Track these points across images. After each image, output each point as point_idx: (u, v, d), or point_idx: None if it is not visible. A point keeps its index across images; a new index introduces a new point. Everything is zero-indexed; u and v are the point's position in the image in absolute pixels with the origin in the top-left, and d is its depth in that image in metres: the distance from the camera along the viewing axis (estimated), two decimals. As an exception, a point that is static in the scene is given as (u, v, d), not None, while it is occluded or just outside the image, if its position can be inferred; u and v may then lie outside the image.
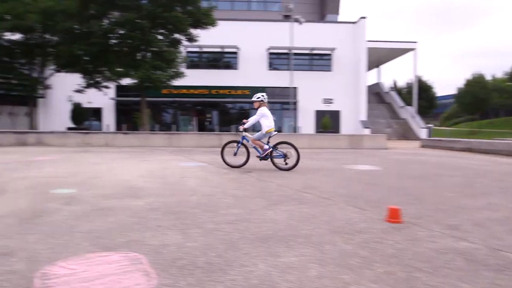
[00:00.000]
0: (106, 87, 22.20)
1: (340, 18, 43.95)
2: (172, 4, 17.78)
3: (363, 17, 31.81)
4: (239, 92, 32.85)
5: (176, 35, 20.00)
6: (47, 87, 22.43)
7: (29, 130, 15.87)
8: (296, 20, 25.58)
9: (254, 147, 8.12)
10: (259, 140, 7.99)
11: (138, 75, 17.46)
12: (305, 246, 3.01)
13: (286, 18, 34.65)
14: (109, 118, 32.30)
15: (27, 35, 20.23)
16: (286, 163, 7.84)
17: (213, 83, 32.09)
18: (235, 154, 8.24)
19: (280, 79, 32.18)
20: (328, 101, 33.15)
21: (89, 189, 5.37)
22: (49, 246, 2.90)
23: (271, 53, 33.29)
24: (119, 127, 31.53)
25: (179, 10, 18.50)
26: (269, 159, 8.00)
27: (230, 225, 3.62)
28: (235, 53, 33.06)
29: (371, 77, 46.16)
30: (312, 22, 32.18)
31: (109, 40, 18.75)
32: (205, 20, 19.10)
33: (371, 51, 32.85)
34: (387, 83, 44.91)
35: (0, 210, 4.07)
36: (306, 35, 30.90)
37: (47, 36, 20.24)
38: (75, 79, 22.71)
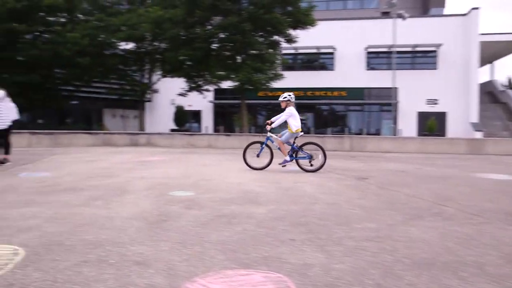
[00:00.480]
0: (207, 90, 23.04)
1: (446, 11, 40.45)
2: (273, 5, 17.74)
3: (475, 8, 28.68)
4: (335, 93, 31.90)
5: (275, 37, 19.96)
6: (154, 91, 24.00)
7: (141, 132, 17.04)
8: (399, 16, 23.94)
9: (278, 148, 7.86)
10: (286, 143, 7.78)
11: (239, 78, 17.72)
12: (482, 280, 2.38)
13: (385, 15, 32.82)
14: (207, 120, 33.65)
15: (138, 44, 21.85)
16: (312, 165, 7.63)
17: (309, 85, 31.58)
18: (258, 155, 7.96)
19: (378, 79, 30.54)
20: (432, 101, 30.52)
21: (205, 192, 5.25)
22: (184, 258, 2.68)
23: (369, 52, 31.74)
24: (216, 129, 32.70)
25: (278, 11, 18.41)
26: (294, 160, 7.83)
27: (373, 243, 3.10)
28: (331, 53, 32.18)
29: (483, 74, 41.64)
30: (414, 17, 29.94)
31: (211, 45, 19.37)
32: (304, 20, 18.75)
33: (484, 46, 29.47)
34: (501, 81, 40.09)
35: (128, 211, 4.06)
36: (408, 32, 28.77)
37: (156, 43, 21.64)
38: (177, 84, 23.98)
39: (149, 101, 28.97)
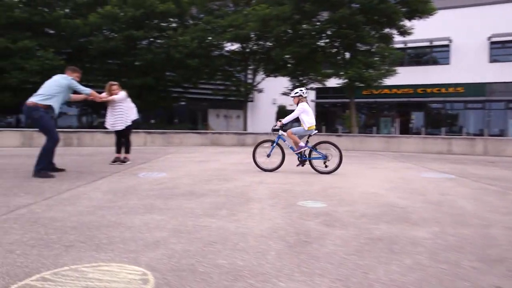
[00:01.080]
0: (311, 89, 22.26)
1: None
2: (388, -7, 16.28)
3: None
4: (450, 90, 28.78)
5: (386, 30, 18.37)
6: (259, 91, 23.97)
7: (248, 132, 16.94)
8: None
9: (291, 148, 7.34)
10: (296, 135, 7.20)
11: (349, 75, 16.59)
12: None
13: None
14: (308, 120, 32.82)
15: (243, 44, 21.97)
16: (326, 166, 7.05)
17: (419, 81, 28.96)
18: (268, 155, 7.37)
19: (505, 73, 26.74)
20: None
21: (338, 204, 4.45)
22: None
23: (493, 42, 27.96)
24: (318, 129, 31.72)
25: (392, 0, 16.83)
26: (307, 161, 7.27)
27: None
28: (446, 46, 29.10)
29: None
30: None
31: (318, 41, 18.54)
32: (422, 8, 16.86)
33: None
34: None
35: (259, 226, 3.44)
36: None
37: (261, 42, 21.52)
38: (279, 83, 23.61)
39: (251, 101, 29.16)
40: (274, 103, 29.31)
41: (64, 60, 19.34)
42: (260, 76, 23.66)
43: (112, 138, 9.35)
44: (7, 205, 4.06)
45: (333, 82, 22.07)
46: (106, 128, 8.36)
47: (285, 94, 22.73)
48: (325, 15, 17.92)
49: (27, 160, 8.24)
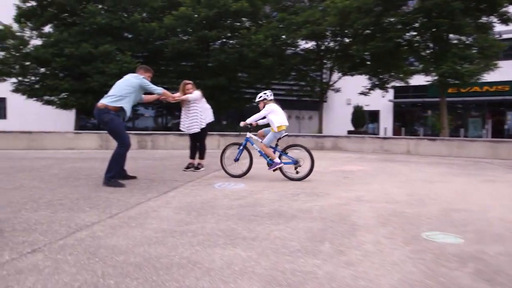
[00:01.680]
0: (393, 87, 20.47)
1: None
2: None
3: None
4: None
5: (484, 18, 16.10)
6: (337, 90, 22.59)
7: (327, 134, 15.77)
8: None
9: (260, 152, 6.70)
10: (269, 146, 6.52)
11: (442, 70, 14.69)
12: None
13: None
14: (386, 121, 30.74)
15: (319, 41, 20.81)
16: (297, 172, 6.35)
17: (517, 78, 25.56)
18: (236, 159, 6.85)
19: None
20: None
21: (479, 239, 3.26)
22: None
23: None
24: (396, 131, 29.50)
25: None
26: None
27: None
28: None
29: None
30: None
31: (405, 33, 16.78)
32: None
33: None
34: None
35: (386, 277, 2.42)
36: None
37: (338, 38, 20.21)
38: (354, 82, 22.04)
39: (324, 101, 27.82)
40: (349, 104, 27.68)
41: (141, 63, 19.67)
42: (335, 75, 22.33)
43: (186, 141, 8.82)
44: (68, 224, 3.48)
45: (415, 80, 20.05)
46: (181, 130, 7.80)
47: (362, 93, 21.18)
48: (413, 4, 16.12)
49: (101, 164, 7.96)
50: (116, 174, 5.75)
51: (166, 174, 6.98)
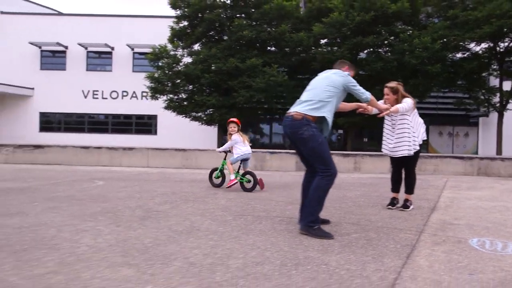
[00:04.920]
0: None
1: None
2: None
3: None
4: None
5: None
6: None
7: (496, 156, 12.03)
8: None
9: None
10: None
11: None
12: None
13: None
14: None
15: (498, 41, 16.90)
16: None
17: None
18: None
19: None
20: None
21: None
22: None
23: None
24: None
25: None
26: None
27: None
28: None
29: None
30: None
31: None
32: None
33: None
34: None
35: None
36: None
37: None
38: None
39: (485, 115, 22.98)
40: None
41: (285, 75, 18.48)
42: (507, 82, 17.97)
43: (377, 163, 6.66)
44: None
45: None
46: (380, 152, 5.69)
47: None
48: None
49: (273, 193, 6.33)
50: (318, 218, 3.90)
51: (367, 215, 4.89)
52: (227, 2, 20.16)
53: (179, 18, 20.47)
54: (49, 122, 30.77)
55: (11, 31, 29.91)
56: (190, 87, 20.44)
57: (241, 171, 7.24)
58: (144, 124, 30.10)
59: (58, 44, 29.39)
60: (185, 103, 20.49)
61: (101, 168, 10.57)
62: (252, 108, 20.40)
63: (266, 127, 28.81)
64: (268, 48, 20.54)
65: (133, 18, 29.98)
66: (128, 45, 28.88)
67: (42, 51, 30.27)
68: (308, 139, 3.89)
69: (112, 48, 29.52)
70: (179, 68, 19.59)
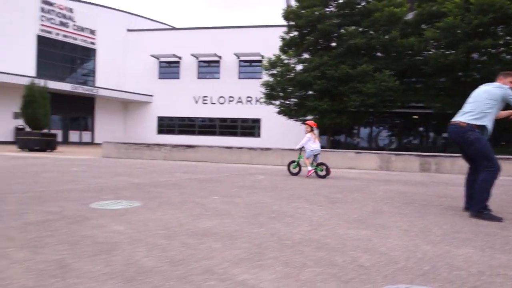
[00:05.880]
0: None
1: None
2: None
3: None
4: None
5: None
6: None
7: None
8: None
9: None
10: None
11: None
12: None
13: None
14: None
15: None
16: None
17: None
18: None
19: None
20: None
21: None
22: None
23: None
24: None
25: None
26: None
27: None
28: None
29: None
30: None
31: None
32: None
33: None
34: None
35: None
36: None
37: None
38: None
39: None
40: None
41: (394, 80, 18.97)
42: None
43: None
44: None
45: None
46: None
47: None
48: None
49: (415, 188, 7.29)
50: (486, 205, 4.85)
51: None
52: (333, 11, 21.25)
53: (289, 29, 22.04)
54: (165, 125, 34.49)
55: (135, 46, 34.22)
56: (301, 93, 21.84)
57: (315, 163, 8.91)
58: (249, 127, 32.34)
59: (174, 55, 32.91)
60: (295, 108, 21.94)
61: (245, 166, 12.28)
62: (360, 112, 21.19)
63: (365, 130, 29.17)
64: (374, 53, 21.16)
65: (238, 28, 32.43)
66: (235, 54, 31.33)
67: (160, 62, 34.10)
68: (473, 142, 4.87)
69: (220, 57, 32.23)
70: (292, 76, 21.11)
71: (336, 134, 25.90)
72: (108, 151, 14.36)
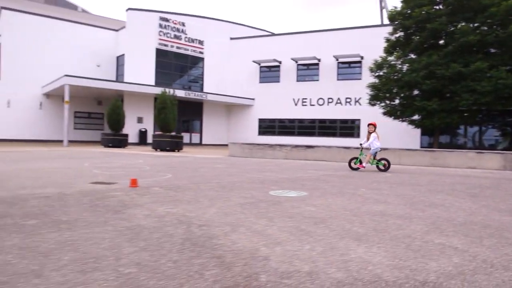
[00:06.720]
0: None
1: None
2: None
3: None
4: None
5: None
6: None
7: None
8: None
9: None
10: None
11: None
12: None
13: None
14: None
15: None
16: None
17: None
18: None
19: None
20: None
21: None
22: None
23: None
24: None
25: None
26: None
27: None
28: None
29: None
30: None
31: None
32: None
33: None
34: None
35: None
36: None
37: None
38: None
39: None
40: None
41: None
42: None
43: None
44: None
45: None
46: None
47: None
48: None
49: None
50: None
51: None
52: (442, 8, 20.67)
53: (395, 30, 21.96)
54: (265, 127, 36.24)
55: (238, 52, 36.56)
56: (407, 93, 21.58)
57: (376, 159, 10.17)
58: (348, 128, 32.57)
59: (274, 60, 34.48)
60: (400, 108, 21.75)
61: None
62: (471, 111, 20.31)
63: (471, 130, 27.48)
64: (487, 50, 20.12)
65: (337, 31, 32.85)
66: (334, 56, 31.83)
67: (261, 67, 35.94)
68: None
69: (319, 60, 32.96)
70: (397, 76, 21.03)
71: (440, 134, 24.92)
72: (233, 151, 16.08)
